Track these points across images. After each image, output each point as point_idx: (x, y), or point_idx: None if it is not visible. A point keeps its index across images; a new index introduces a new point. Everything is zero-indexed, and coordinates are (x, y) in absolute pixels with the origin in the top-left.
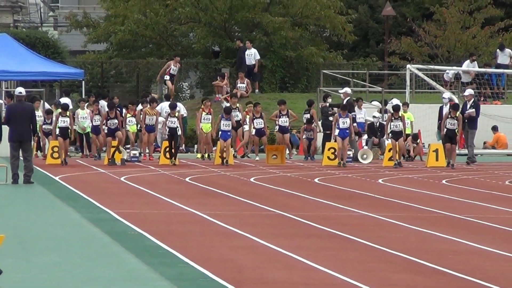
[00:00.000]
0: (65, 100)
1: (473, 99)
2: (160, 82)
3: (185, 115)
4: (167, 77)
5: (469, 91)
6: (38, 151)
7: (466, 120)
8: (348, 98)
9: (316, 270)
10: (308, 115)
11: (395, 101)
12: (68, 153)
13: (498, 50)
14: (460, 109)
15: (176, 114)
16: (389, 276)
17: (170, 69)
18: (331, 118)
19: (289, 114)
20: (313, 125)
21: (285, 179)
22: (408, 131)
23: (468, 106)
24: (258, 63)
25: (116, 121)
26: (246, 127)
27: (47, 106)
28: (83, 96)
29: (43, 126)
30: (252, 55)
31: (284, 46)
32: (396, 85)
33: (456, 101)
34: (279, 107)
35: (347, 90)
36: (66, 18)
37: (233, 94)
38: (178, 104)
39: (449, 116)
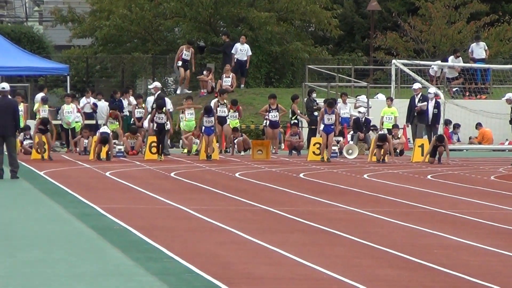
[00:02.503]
0: (41, 95)
1: (421, 92)
2: (175, 71)
3: (171, 110)
4: (179, 63)
5: (417, 85)
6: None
7: (416, 114)
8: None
9: (302, 265)
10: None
11: (380, 96)
12: (54, 148)
13: (473, 44)
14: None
15: (164, 110)
16: (376, 271)
17: (182, 53)
18: (316, 113)
19: (279, 108)
20: (298, 130)
21: (270, 174)
22: (388, 126)
23: (417, 100)
24: (250, 58)
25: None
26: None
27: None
28: (68, 91)
29: (24, 142)
30: (245, 51)
31: (269, 41)
32: (381, 80)
33: (442, 96)
34: (269, 101)
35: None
36: (51, 13)
37: (222, 90)
38: (165, 99)
39: (326, 112)
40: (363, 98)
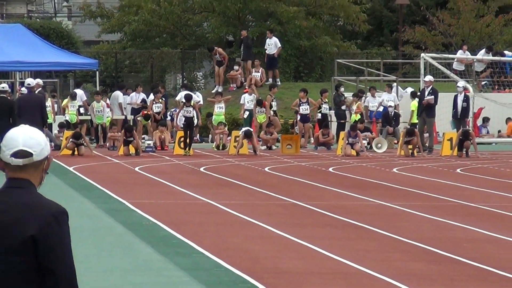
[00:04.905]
0: (77, 91)
1: (431, 86)
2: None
3: (201, 102)
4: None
5: (428, 77)
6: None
7: (424, 108)
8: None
9: (331, 259)
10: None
11: (409, 90)
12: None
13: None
14: (419, 96)
15: (192, 103)
16: (405, 265)
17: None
18: (344, 107)
19: (309, 102)
20: (328, 130)
21: (299, 169)
22: (416, 120)
23: (427, 93)
24: (280, 51)
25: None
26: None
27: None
28: (98, 87)
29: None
30: (272, 44)
31: (298, 36)
32: (410, 74)
33: (471, 89)
34: (299, 94)
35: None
36: (80, 8)
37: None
38: (197, 93)
39: (349, 135)
40: (408, 89)
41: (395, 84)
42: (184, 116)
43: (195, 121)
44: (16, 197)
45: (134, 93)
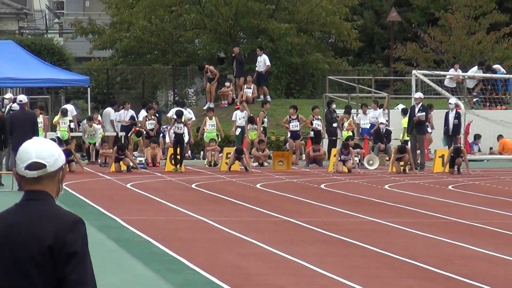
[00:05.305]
0: (67, 106)
1: (421, 103)
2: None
3: (193, 118)
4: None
5: (418, 94)
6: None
7: (414, 125)
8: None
9: (323, 276)
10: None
11: (400, 107)
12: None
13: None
14: (409, 112)
15: (183, 119)
16: (396, 282)
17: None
18: (335, 125)
19: (299, 118)
20: (319, 146)
21: (291, 185)
22: (405, 138)
23: (417, 109)
24: (268, 69)
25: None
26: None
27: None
28: (89, 103)
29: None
30: (262, 62)
31: (289, 52)
32: (401, 90)
33: (462, 106)
34: (289, 111)
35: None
36: (72, 24)
37: (242, 101)
38: (188, 109)
39: (341, 153)
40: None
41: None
42: (174, 132)
43: (186, 138)
44: (33, 209)
45: (122, 110)
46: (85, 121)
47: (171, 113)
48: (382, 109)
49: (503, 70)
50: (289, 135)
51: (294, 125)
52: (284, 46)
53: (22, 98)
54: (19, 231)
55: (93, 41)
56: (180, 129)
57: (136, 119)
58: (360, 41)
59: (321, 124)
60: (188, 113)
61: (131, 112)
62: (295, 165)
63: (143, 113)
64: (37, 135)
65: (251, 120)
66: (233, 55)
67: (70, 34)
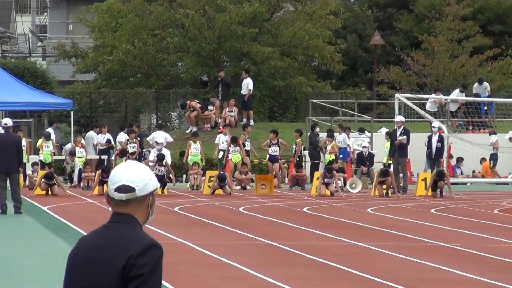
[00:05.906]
0: (50, 130)
1: (403, 126)
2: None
3: (171, 140)
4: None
5: (399, 118)
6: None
7: (396, 148)
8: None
9: None
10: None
11: (384, 130)
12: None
13: (475, 84)
14: (391, 136)
15: (164, 162)
16: None
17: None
18: (318, 148)
19: (279, 143)
20: (302, 170)
21: (274, 209)
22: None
23: (398, 133)
24: (251, 92)
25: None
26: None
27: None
28: (72, 126)
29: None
30: (245, 85)
31: (272, 76)
32: (385, 114)
33: (445, 130)
34: (269, 135)
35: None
36: (55, 48)
37: (225, 125)
38: (165, 150)
39: (325, 176)
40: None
41: (348, 123)
42: (155, 174)
43: (169, 160)
44: (117, 232)
45: (100, 134)
46: (69, 144)
47: (151, 136)
48: (345, 133)
49: (489, 88)
50: (267, 157)
51: (274, 150)
52: (267, 70)
53: (8, 121)
54: (98, 253)
55: (76, 64)
56: (161, 172)
57: (112, 142)
58: (344, 64)
59: (278, 150)
60: (168, 136)
61: (108, 136)
62: (278, 188)
63: (121, 135)
64: (21, 158)
65: (234, 140)
66: (219, 79)
67: (53, 58)
